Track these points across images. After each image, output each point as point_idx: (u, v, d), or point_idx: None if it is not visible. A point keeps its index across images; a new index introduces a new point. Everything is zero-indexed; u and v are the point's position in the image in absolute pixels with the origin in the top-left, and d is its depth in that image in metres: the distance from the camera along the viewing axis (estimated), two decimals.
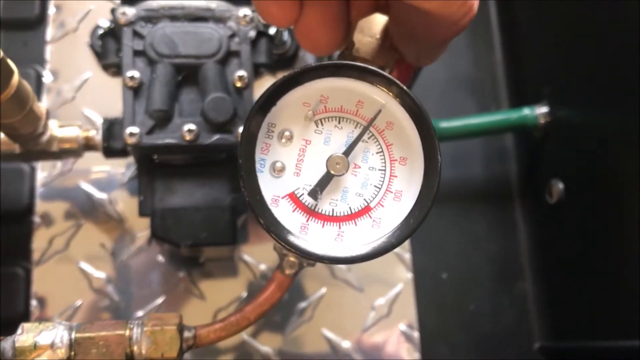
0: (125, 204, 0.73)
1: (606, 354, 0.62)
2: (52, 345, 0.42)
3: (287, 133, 0.38)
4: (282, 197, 0.38)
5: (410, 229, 0.37)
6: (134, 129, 0.56)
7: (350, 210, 0.38)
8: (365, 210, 0.38)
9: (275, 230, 0.36)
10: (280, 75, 0.37)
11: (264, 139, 0.38)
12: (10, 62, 0.48)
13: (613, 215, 0.60)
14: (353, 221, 0.38)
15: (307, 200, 0.38)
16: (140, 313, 0.69)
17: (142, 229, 0.71)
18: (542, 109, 0.70)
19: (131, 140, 0.56)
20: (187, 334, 0.45)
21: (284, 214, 0.38)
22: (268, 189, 0.38)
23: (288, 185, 0.38)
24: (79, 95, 0.76)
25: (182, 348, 0.45)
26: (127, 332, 0.44)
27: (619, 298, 0.60)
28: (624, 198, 0.59)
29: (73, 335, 0.43)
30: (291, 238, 0.36)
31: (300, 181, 0.38)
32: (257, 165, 0.37)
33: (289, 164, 0.38)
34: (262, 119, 0.37)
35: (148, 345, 0.44)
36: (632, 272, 0.57)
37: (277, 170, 0.38)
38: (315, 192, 0.37)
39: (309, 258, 0.36)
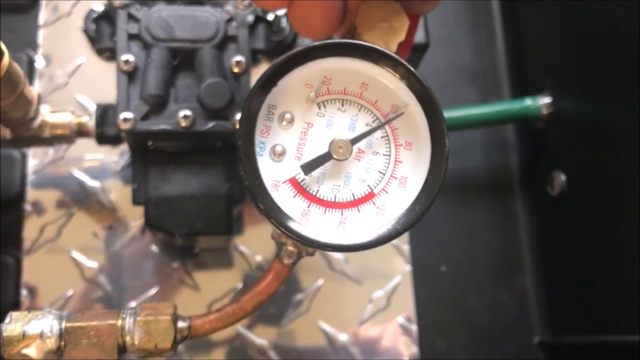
0: (119, 192, 0.71)
1: (607, 349, 0.62)
2: (41, 335, 0.41)
3: (288, 115, 0.37)
4: (283, 182, 0.36)
5: (416, 216, 0.36)
6: (128, 115, 0.54)
7: (353, 197, 0.37)
8: (369, 196, 0.37)
9: (275, 216, 0.35)
10: None
11: (264, 122, 0.36)
12: (0, 43, 0.46)
13: (615, 208, 0.60)
14: (356, 208, 0.37)
15: (308, 185, 0.36)
16: (133, 304, 0.68)
17: (135, 218, 0.70)
18: (545, 100, 0.69)
19: (125, 126, 0.54)
20: (181, 324, 0.44)
21: (285, 199, 0.36)
22: (268, 173, 0.36)
23: (289, 170, 0.37)
24: (72, 80, 0.75)
25: (176, 339, 0.43)
26: (120, 322, 0.43)
27: (620, 292, 0.60)
28: (626, 190, 0.58)
29: (63, 325, 0.42)
30: (292, 224, 0.35)
31: None
32: (257, 149, 0.36)
33: (289, 148, 0.37)
34: (263, 100, 0.36)
35: (141, 336, 0.42)
36: (634, 265, 0.56)
37: (278, 154, 0.37)
38: (308, 167, 0.36)
39: (310, 245, 0.35)
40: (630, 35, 0.55)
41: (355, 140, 0.37)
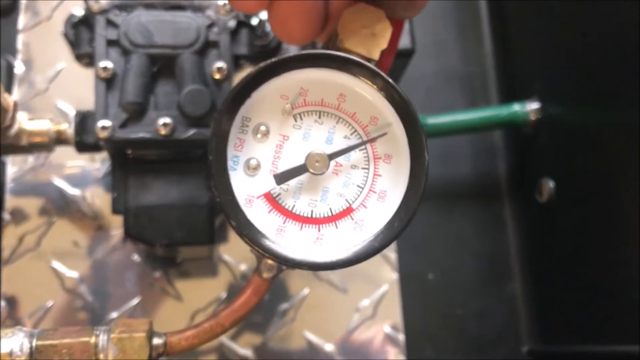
0: (100, 200, 0.70)
1: (599, 359, 0.61)
2: (10, 354, 0.40)
3: (262, 128, 0.36)
4: (257, 197, 0.35)
5: (395, 232, 0.34)
6: (106, 123, 0.54)
7: (331, 212, 0.36)
8: (347, 211, 0.36)
9: (249, 234, 0.34)
10: None
11: (238, 134, 0.35)
12: None
13: (606, 215, 0.59)
14: (334, 223, 0.36)
15: (284, 200, 0.35)
16: (114, 314, 0.67)
17: (116, 227, 0.69)
18: (533, 105, 0.69)
19: (103, 134, 0.54)
20: (156, 340, 0.43)
21: (259, 215, 0.35)
22: (241, 188, 0.35)
23: (263, 185, 0.36)
24: (52, 86, 0.73)
25: (151, 356, 0.42)
26: (93, 339, 0.41)
27: (612, 300, 0.59)
28: (617, 197, 0.57)
29: (34, 343, 0.41)
30: (266, 242, 0.34)
31: None
32: (230, 163, 0.34)
33: (264, 162, 0.36)
34: (236, 112, 0.34)
35: (115, 354, 0.41)
36: (626, 273, 0.55)
37: (252, 168, 0.35)
38: (282, 177, 0.35)
39: (284, 264, 0.34)
40: (622, 39, 0.54)
41: (333, 156, 0.35)
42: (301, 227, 0.35)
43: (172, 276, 0.68)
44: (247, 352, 0.67)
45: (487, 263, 0.75)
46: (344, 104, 0.37)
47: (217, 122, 0.33)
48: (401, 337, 0.69)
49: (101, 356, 0.41)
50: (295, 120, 0.36)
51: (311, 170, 0.35)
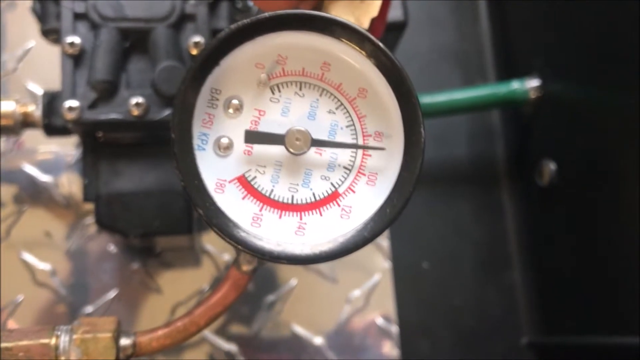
0: (75, 188, 0.68)
1: (601, 351, 0.60)
2: None
3: (235, 101, 0.33)
4: (229, 182, 0.32)
5: (387, 220, 0.32)
6: (74, 103, 0.51)
7: (314, 197, 0.33)
8: (333, 197, 0.33)
9: (219, 223, 0.30)
10: None
11: (206, 109, 0.32)
12: None
13: (609, 199, 0.58)
14: (317, 210, 0.33)
15: (260, 184, 0.32)
16: (89, 309, 0.65)
17: (92, 215, 0.65)
18: (533, 83, 0.68)
19: (70, 116, 0.51)
20: (124, 341, 0.40)
21: (232, 202, 0.32)
22: (211, 171, 0.32)
23: (237, 167, 0.33)
24: (21, 66, 0.71)
25: (118, 358, 0.40)
26: (53, 341, 0.39)
27: (614, 290, 0.58)
28: (620, 180, 0.56)
29: None
30: (239, 233, 0.31)
31: (252, 161, 0.32)
32: (197, 142, 0.31)
33: (237, 140, 0.33)
34: (202, 82, 0.31)
35: (78, 356, 0.39)
36: (629, 261, 0.55)
37: (223, 148, 0.32)
38: (254, 137, 0.32)
39: (261, 257, 0.30)
40: (625, 12, 0.53)
41: (317, 143, 0.33)
42: (280, 215, 0.33)
43: (152, 267, 0.66)
44: (231, 346, 0.65)
45: (484, 251, 0.74)
46: (329, 73, 0.34)
47: (180, 95, 0.30)
48: (394, 329, 0.68)
49: (62, 358, 0.39)
50: (273, 93, 0.33)
51: (291, 150, 0.32)
